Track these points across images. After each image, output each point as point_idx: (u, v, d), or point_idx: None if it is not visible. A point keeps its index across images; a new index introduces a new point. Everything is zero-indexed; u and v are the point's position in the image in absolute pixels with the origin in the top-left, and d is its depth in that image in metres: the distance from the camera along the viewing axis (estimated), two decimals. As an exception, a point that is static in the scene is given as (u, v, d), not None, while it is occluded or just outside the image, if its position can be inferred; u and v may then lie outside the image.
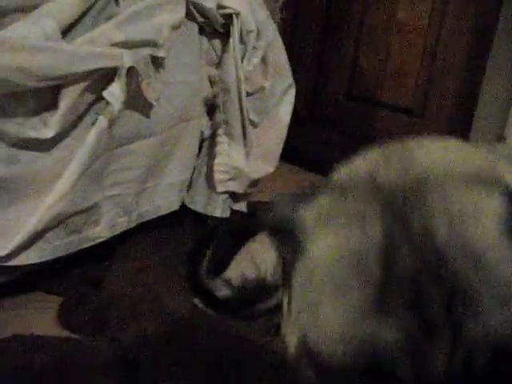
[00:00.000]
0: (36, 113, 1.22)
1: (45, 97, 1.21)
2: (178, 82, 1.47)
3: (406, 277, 0.45)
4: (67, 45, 1.21)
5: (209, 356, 1.12)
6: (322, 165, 2.43)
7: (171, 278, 1.44)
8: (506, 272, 0.45)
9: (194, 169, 1.66)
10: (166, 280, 1.42)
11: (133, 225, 1.49)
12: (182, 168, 1.57)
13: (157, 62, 1.38)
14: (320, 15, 2.47)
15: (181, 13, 1.45)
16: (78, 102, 1.25)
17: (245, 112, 1.60)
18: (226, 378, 1.09)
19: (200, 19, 1.54)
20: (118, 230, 1.46)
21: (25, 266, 1.29)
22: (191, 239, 1.60)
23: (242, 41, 1.57)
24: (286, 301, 0.57)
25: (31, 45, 1.13)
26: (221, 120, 1.62)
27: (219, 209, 1.68)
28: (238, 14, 1.53)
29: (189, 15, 1.51)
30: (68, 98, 1.22)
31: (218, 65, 1.61)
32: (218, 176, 1.63)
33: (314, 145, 2.49)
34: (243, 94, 1.59)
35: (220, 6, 1.53)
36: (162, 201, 1.54)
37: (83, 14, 1.26)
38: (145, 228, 1.54)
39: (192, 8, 1.51)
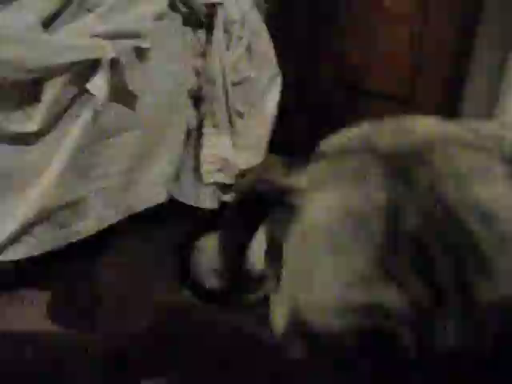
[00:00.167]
0: (19, 106, 1.20)
1: (28, 90, 1.20)
2: (162, 73, 1.46)
3: (411, 239, 0.42)
4: (49, 36, 1.20)
5: (200, 350, 1.12)
6: (309, 155, 2.45)
7: (160, 270, 1.44)
8: None
9: (182, 161, 1.66)
10: (156, 273, 1.42)
11: (120, 217, 1.48)
12: (168, 160, 1.57)
13: (140, 53, 1.37)
14: (306, 3, 2.46)
15: (163, 3, 1.44)
16: (61, 95, 1.24)
17: (230, 102, 1.60)
18: (218, 371, 1.08)
19: (183, 10, 1.53)
20: (106, 223, 1.46)
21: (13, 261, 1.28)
22: (180, 231, 1.60)
23: (226, 31, 1.57)
24: (273, 277, 0.54)
25: (12, 36, 1.12)
26: (207, 111, 1.62)
27: (208, 200, 1.67)
28: (221, 4, 1.53)
29: (172, 6, 1.50)
30: (51, 91, 1.21)
31: (203, 55, 1.60)
32: (205, 167, 1.63)
33: (301, 135, 2.49)
34: (229, 84, 1.59)
35: (203, -4, 1.53)
36: (149, 193, 1.54)
37: (65, 5, 1.25)
38: (133, 221, 1.54)
39: (175, -2, 1.50)
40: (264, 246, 0.61)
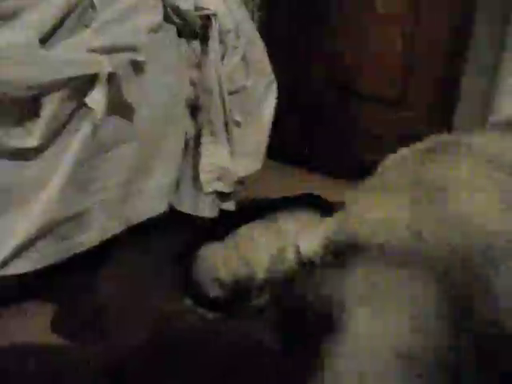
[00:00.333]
0: (19, 122, 1.22)
1: (27, 106, 1.21)
2: (157, 86, 1.47)
3: None
4: (47, 52, 1.21)
5: (202, 359, 1.12)
6: (303, 157, 2.45)
7: (162, 281, 1.44)
8: None
9: (181, 170, 1.66)
10: (157, 283, 1.42)
11: (122, 228, 1.49)
12: (167, 170, 1.57)
13: (137, 66, 1.38)
14: (298, 5, 2.46)
15: (158, 15, 1.45)
16: (60, 110, 1.25)
17: (228, 111, 1.61)
18: (220, 380, 1.08)
19: (178, 21, 1.54)
20: (108, 235, 1.46)
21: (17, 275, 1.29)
22: (180, 241, 1.60)
23: (221, 41, 1.58)
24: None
25: (13, 55, 1.14)
26: (204, 120, 1.63)
27: (207, 209, 1.68)
28: (215, 15, 1.54)
29: (166, 18, 1.51)
30: (50, 106, 1.23)
31: (198, 66, 1.61)
32: (204, 176, 1.63)
33: (294, 138, 2.49)
34: (225, 93, 1.59)
35: (197, 8, 1.53)
36: (149, 203, 1.54)
37: (62, 21, 1.26)
38: (134, 231, 1.54)
39: (169, 10, 1.51)
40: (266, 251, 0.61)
